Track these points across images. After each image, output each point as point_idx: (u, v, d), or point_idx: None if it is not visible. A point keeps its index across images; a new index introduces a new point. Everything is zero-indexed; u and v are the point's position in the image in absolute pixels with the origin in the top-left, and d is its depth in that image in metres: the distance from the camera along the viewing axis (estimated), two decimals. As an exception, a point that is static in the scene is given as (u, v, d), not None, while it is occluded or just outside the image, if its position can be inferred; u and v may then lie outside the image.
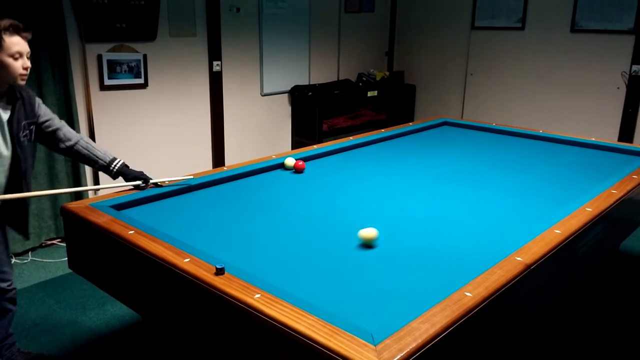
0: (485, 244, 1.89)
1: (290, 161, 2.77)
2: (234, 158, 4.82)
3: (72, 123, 3.74)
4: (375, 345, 1.24)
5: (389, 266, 1.74)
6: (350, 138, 3.38)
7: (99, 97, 3.99)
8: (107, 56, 3.93)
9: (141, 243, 1.77)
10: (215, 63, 4.62)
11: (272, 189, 2.51)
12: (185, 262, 1.63)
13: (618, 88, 4.88)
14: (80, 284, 3.24)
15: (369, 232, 1.87)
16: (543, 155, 3.17)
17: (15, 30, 2.01)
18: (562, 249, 1.87)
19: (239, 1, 4.71)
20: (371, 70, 6.10)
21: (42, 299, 3.14)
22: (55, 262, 3.60)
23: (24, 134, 2.15)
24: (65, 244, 2.30)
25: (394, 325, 1.32)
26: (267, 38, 4.99)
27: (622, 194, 2.36)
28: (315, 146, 3.17)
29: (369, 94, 5.82)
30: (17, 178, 2.17)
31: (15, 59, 2.02)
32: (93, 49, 3.88)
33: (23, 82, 2.08)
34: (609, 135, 4.88)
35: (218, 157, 4.86)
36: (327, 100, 5.32)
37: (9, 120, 2.10)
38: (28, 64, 2.06)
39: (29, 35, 2.07)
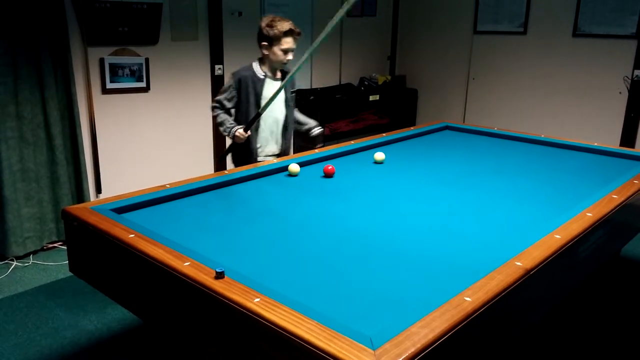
0: (485, 248, 1.89)
1: (294, 167, 2.75)
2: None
3: (74, 126, 3.75)
4: (374, 350, 1.24)
5: (389, 270, 1.74)
6: (352, 142, 3.38)
7: (100, 101, 4.00)
8: (109, 60, 3.95)
9: (141, 247, 1.77)
10: (217, 67, 4.63)
11: (273, 193, 2.51)
12: (185, 266, 1.63)
13: (620, 93, 4.88)
14: (81, 287, 3.24)
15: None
16: (544, 160, 3.17)
17: (290, 34, 2.92)
18: (562, 254, 1.86)
19: (241, 5, 4.73)
20: (373, 75, 6.11)
21: (43, 302, 3.15)
22: (56, 265, 3.60)
23: (290, 99, 3.16)
24: (66, 247, 2.32)
25: (393, 329, 1.32)
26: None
27: (623, 199, 2.36)
28: (316, 150, 3.17)
29: (371, 98, 5.83)
30: (284, 130, 3.18)
31: (284, 52, 2.93)
32: (95, 53, 3.90)
33: (283, 67, 3.06)
34: (611, 140, 4.87)
35: (219, 161, 4.87)
36: (329, 104, 5.33)
37: (284, 90, 3.07)
38: (290, 57, 2.98)
39: (298, 37, 2.98)
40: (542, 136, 3.64)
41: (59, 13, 3.58)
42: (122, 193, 2.33)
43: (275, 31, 2.91)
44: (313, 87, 5.51)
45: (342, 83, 5.86)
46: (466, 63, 5.86)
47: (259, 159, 3.14)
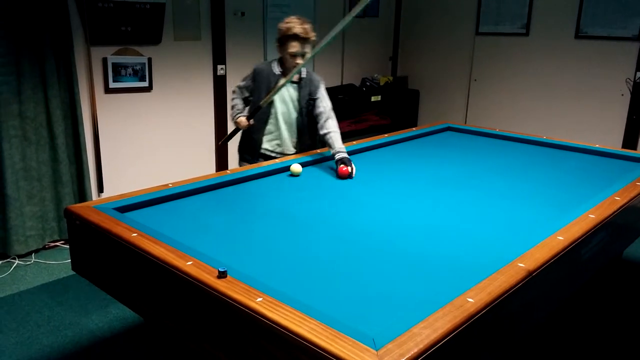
0: (487, 249, 1.89)
1: (296, 167, 2.75)
2: (237, 162, 4.82)
3: (77, 125, 3.76)
4: (376, 350, 1.24)
5: (391, 271, 1.74)
6: (354, 143, 3.38)
7: (103, 100, 4.00)
8: (112, 59, 3.95)
9: (144, 246, 1.77)
10: (219, 67, 4.64)
11: (274, 193, 2.52)
12: (187, 265, 1.64)
13: (622, 95, 4.88)
14: (83, 286, 3.25)
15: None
16: (546, 161, 3.17)
17: (295, 38, 2.86)
18: (564, 255, 1.86)
19: (244, 5, 4.73)
20: (375, 75, 6.11)
21: (44, 300, 3.15)
22: (58, 264, 3.60)
23: (305, 105, 3.08)
24: (68, 246, 2.32)
25: (395, 330, 1.32)
26: (271, 42, 5.00)
27: (625, 201, 2.35)
28: (318, 151, 3.17)
29: (373, 98, 5.83)
30: (299, 134, 3.16)
31: (291, 56, 2.89)
32: (98, 52, 3.90)
33: (294, 69, 2.90)
34: (613, 141, 4.87)
35: (221, 161, 4.87)
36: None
37: (298, 94, 3.04)
38: (298, 61, 2.90)
39: (307, 42, 2.92)
40: (544, 137, 3.64)
41: (62, 12, 3.59)
42: (124, 192, 2.33)
43: (282, 33, 2.92)
44: (315, 87, 5.51)
45: (344, 84, 5.86)
46: (468, 64, 5.86)
47: (261, 150, 3.16)
